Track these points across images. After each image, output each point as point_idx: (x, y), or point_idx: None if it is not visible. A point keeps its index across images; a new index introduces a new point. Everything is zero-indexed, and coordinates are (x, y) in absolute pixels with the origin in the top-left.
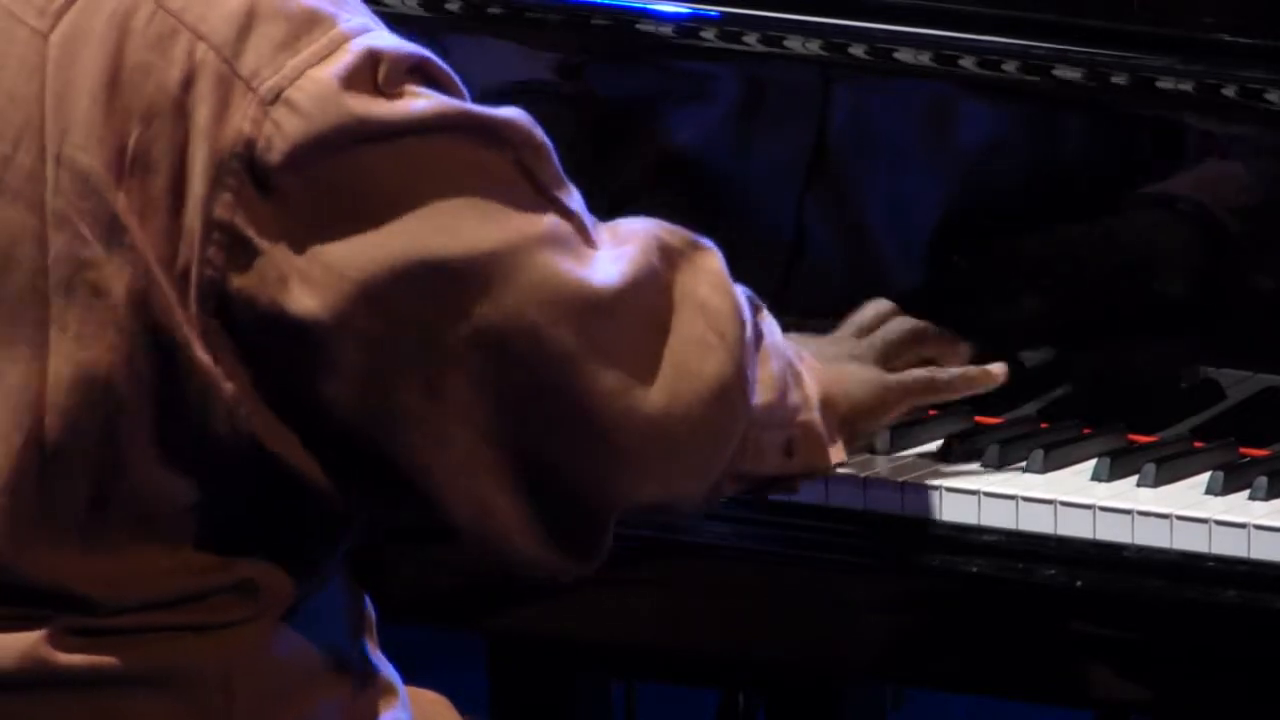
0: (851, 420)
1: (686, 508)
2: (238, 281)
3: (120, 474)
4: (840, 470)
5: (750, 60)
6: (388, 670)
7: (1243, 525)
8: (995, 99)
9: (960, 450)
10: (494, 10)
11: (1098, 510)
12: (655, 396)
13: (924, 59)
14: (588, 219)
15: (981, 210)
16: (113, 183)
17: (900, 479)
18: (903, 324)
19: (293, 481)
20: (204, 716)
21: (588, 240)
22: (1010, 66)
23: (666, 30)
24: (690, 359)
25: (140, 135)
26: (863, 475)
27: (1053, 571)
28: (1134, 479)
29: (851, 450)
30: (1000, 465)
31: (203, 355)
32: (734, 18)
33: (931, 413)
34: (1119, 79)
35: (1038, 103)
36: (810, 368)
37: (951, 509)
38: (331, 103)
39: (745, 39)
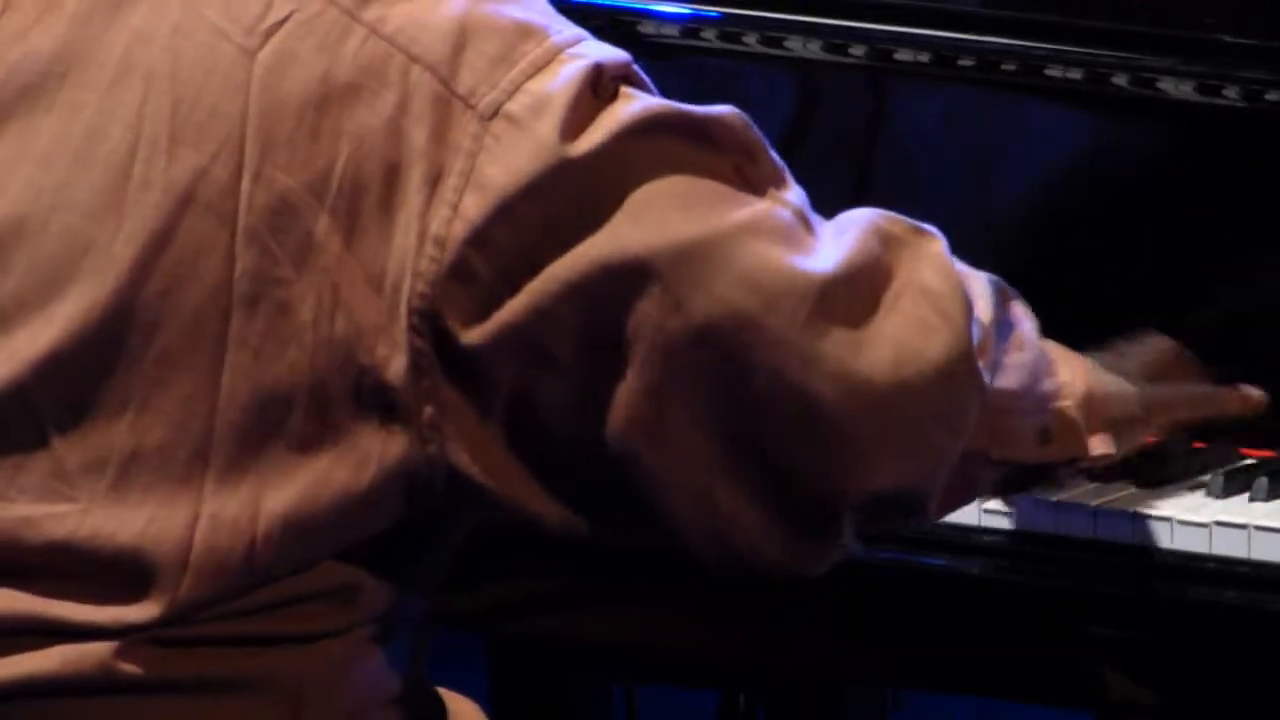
0: (1114, 420)
1: (926, 499)
2: (452, 296)
3: (279, 493)
4: None
5: (751, 61)
6: (434, 692)
7: (1243, 526)
8: (995, 100)
9: None
10: None
11: (1098, 511)
12: (879, 378)
13: (924, 60)
14: (808, 211)
15: (981, 210)
16: (314, 204)
17: None
18: (1164, 346)
19: (485, 505)
20: None
21: (807, 229)
22: (1010, 67)
23: (667, 31)
24: (913, 340)
25: (350, 155)
26: None
27: (1054, 572)
28: (1134, 480)
29: (1122, 451)
30: None
31: (399, 376)
32: (734, 18)
33: None
34: (1119, 79)
35: (1038, 103)
36: (1069, 362)
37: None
38: (546, 112)
39: (746, 40)
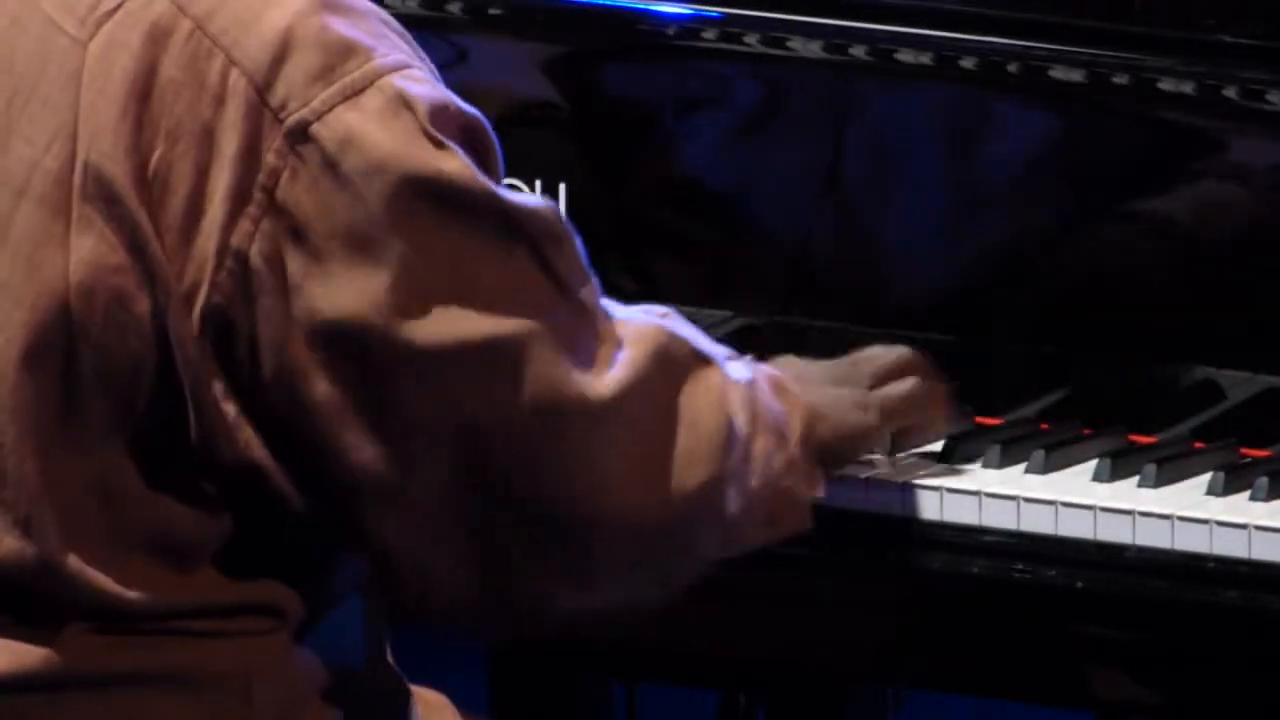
0: (837, 445)
1: (640, 609)
2: (242, 313)
3: (132, 491)
4: (842, 471)
5: (751, 61)
6: (399, 678)
7: (1243, 526)
8: (996, 100)
9: (961, 451)
10: (495, 11)
11: (1099, 511)
12: (629, 508)
13: (925, 60)
14: (600, 315)
15: (981, 210)
16: (135, 194)
17: (901, 480)
18: (897, 354)
19: (284, 507)
20: (222, 719)
21: (597, 338)
22: (1011, 67)
23: (668, 31)
24: (675, 478)
25: (164, 154)
26: (864, 476)
27: (1054, 573)
28: (1135, 480)
29: (836, 471)
30: (1001, 466)
31: (205, 376)
32: (735, 19)
33: None
34: (1119, 79)
35: (1038, 104)
36: (795, 404)
37: (953, 510)
38: (352, 147)
39: (747, 40)
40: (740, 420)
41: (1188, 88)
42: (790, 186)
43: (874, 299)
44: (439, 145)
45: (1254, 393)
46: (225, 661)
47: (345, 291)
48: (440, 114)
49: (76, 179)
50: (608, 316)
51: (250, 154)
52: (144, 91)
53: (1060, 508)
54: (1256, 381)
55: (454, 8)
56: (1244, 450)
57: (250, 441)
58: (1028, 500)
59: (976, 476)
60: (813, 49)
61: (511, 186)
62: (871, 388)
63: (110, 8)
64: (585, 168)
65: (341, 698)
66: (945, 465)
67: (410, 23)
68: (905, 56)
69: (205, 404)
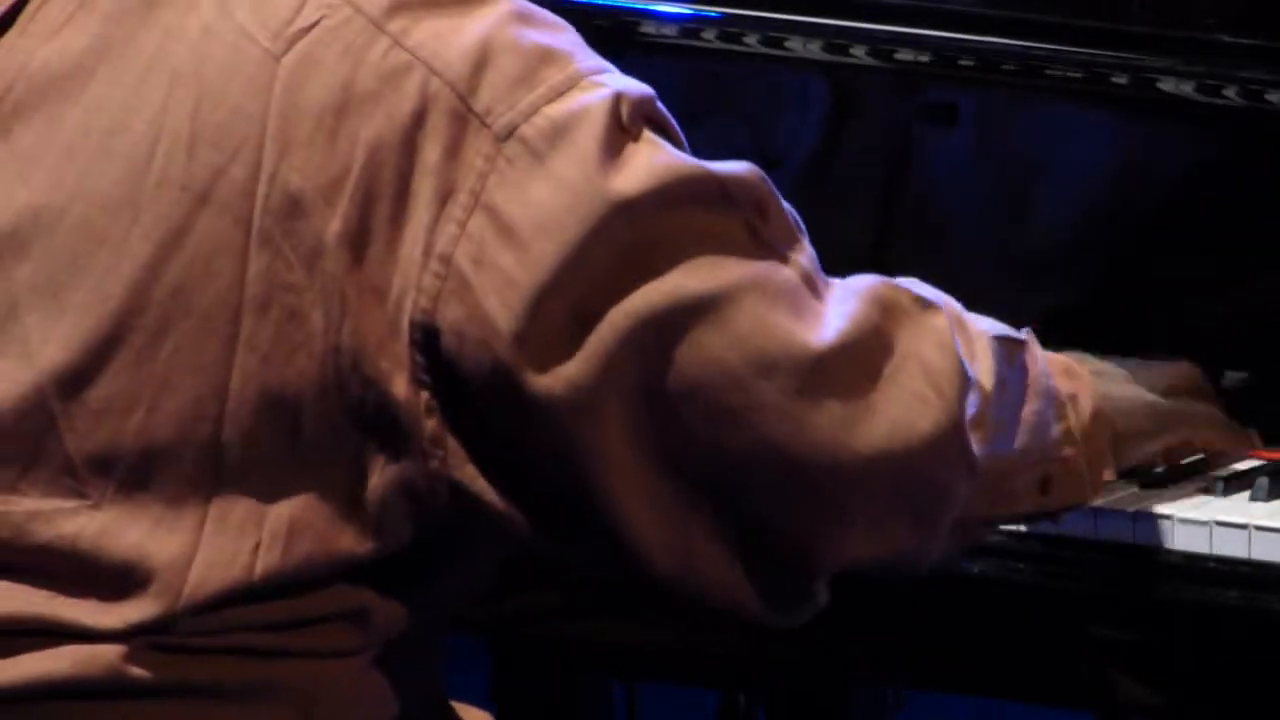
0: (1122, 441)
1: (914, 563)
2: (450, 315)
3: (286, 500)
4: None
5: (751, 61)
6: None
7: (1243, 526)
8: (996, 100)
9: None
10: None
11: (1099, 511)
12: (868, 451)
13: (924, 60)
14: (817, 273)
15: (980, 210)
16: (326, 209)
17: None
18: (1190, 369)
19: (482, 523)
20: None
21: (814, 293)
22: (1010, 67)
23: (667, 31)
24: (907, 416)
25: (365, 163)
26: None
27: (1054, 573)
28: (1135, 480)
29: (1121, 470)
30: None
31: (402, 390)
32: (735, 19)
33: None
34: (1119, 79)
35: (1038, 103)
36: (1084, 387)
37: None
38: (567, 145)
39: (746, 40)
40: (981, 368)
41: (1188, 88)
42: (790, 186)
43: None
44: (642, 135)
45: (1253, 393)
46: (289, 680)
47: (547, 261)
48: (646, 107)
49: (260, 191)
50: (823, 276)
51: (454, 159)
52: (340, 105)
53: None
54: (1256, 381)
55: None
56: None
57: (451, 459)
58: None
59: None
60: (813, 49)
61: None
62: (1165, 394)
63: (306, 25)
64: None
65: None
66: None
67: None
68: (905, 56)
69: (402, 420)
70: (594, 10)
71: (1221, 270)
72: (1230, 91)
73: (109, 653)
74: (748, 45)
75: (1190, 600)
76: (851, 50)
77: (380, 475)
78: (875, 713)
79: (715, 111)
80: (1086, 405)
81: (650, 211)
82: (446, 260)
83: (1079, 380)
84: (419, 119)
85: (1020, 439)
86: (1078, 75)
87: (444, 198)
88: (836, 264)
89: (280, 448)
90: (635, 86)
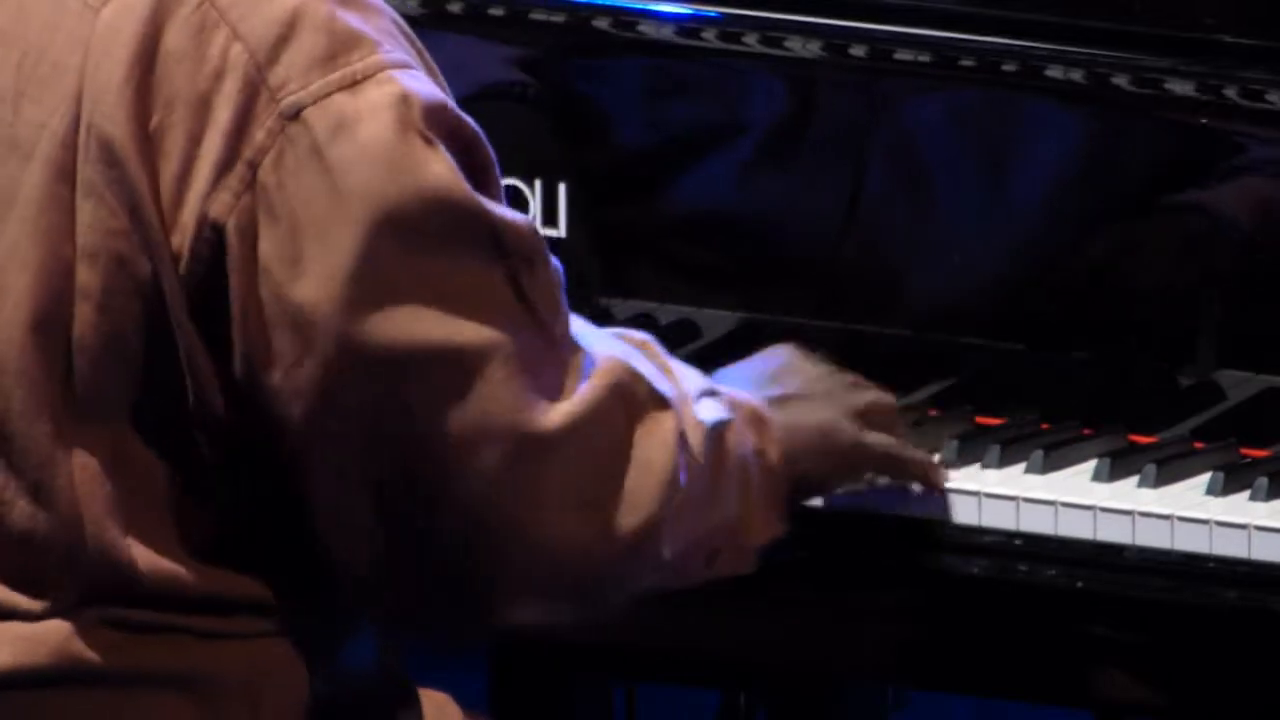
0: (806, 478)
1: (561, 625)
2: (216, 281)
3: (141, 460)
4: None
5: (751, 61)
6: (408, 682)
7: (1243, 526)
8: (995, 100)
9: (961, 451)
10: (495, 11)
11: (1098, 511)
12: (560, 538)
13: (924, 60)
14: (566, 344)
15: (982, 210)
16: (136, 158)
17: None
18: (890, 401)
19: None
20: None
21: (558, 366)
22: (1010, 67)
23: (667, 31)
24: (619, 513)
25: (161, 120)
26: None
27: (1054, 573)
28: (1135, 480)
29: (800, 500)
30: (1001, 466)
31: (192, 341)
32: (735, 18)
33: (932, 413)
34: (1119, 79)
35: (1038, 103)
36: (771, 441)
37: (952, 510)
38: (347, 140)
39: (746, 40)
40: (692, 466)
41: (1188, 88)
42: (791, 186)
43: (874, 299)
44: (429, 143)
45: (1253, 393)
46: (234, 665)
47: (309, 279)
48: (436, 114)
49: (80, 141)
50: (574, 346)
51: (241, 128)
52: (148, 57)
53: (1060, 508)
54: (1256, 381)
55: (454, 8)
56: (1244, 450)
57: (231, 410)
58: (1027, 500)
59: (976, 476)
60: (813, 49)
61: (511, 187)
62: (861, 413)
63: None
64: (585, 168)
65: (351, 707)
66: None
67: (410, 23)
68: (905, 56)
69: (196, 369)
70: (594, 10)
71: (1221, 271)
72: (1230, 91)
73: (54, 637)
74: (748, 45)
75: (1190, 600)
76: (851, 50)
77: (199, 429)
78: (875, 713)
79: (715, 111)
80: (773, 457)
81: (417, 236)
82: (217, 228)
83: (765, 434)
84: (216, 81)
85: (704, 524)
86: (1078, 75)
87: (223, 166)
88: (834, 261)
89: (121, 391)
90: (429, 90)
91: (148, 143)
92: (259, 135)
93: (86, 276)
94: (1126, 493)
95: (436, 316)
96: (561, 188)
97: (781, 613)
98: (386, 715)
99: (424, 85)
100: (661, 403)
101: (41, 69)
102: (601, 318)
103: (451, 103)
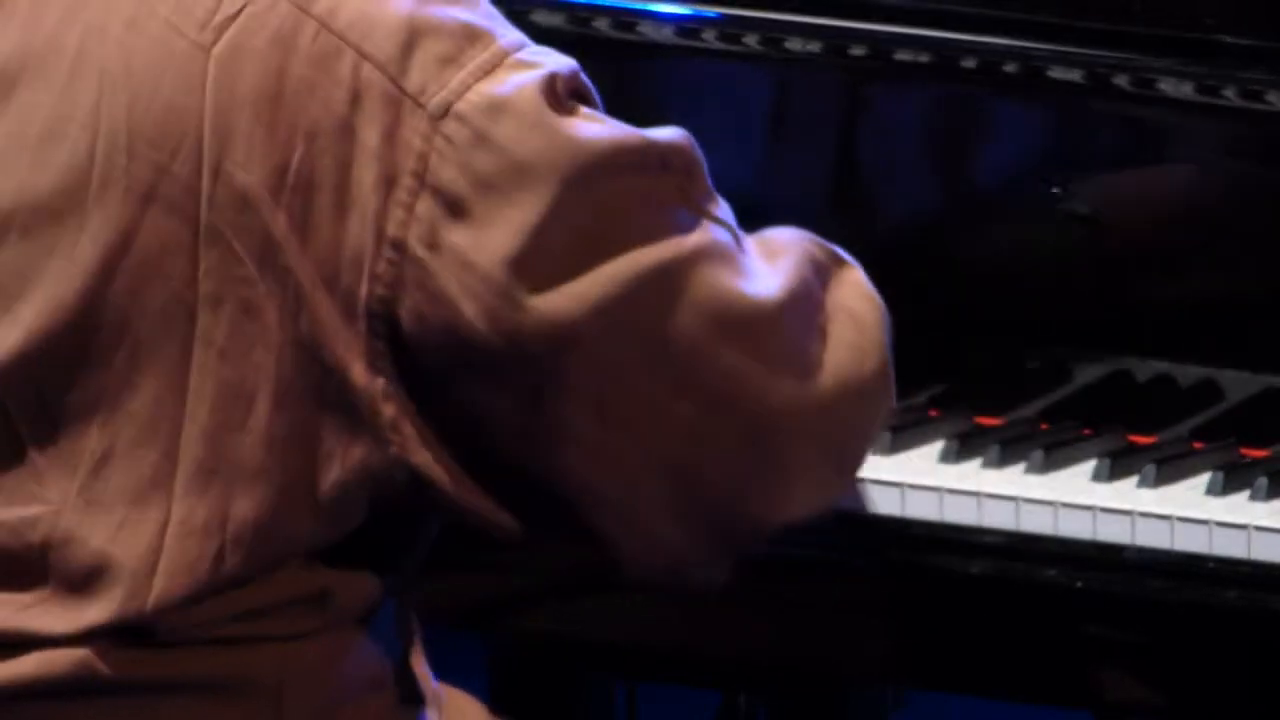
0: None
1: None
2: (409, 300)
3: (247, 498)
4: None
5: (751, 61)
6: (429, 679)
7: (1243, 526)
8: (995, 100)
9: (960, 450)
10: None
11: (1098, 511)
12: (815, 405)
13: (924, 60)
14: (735, 226)
15: (982, 210)
16: (271, 201)
17: (901, 480)
18: None
19: (438, 504)
20: None
21: (740, 247)
22: (1010, 68)
23: (667, 31)
24: (849, 366)
25: (305, 153)
26: (862, 476)
27: (1053, 573)
28: (1134, 480)
29: None
30: (1001, 466)
31: (360, 377)
32: (734, 19)
33: (932, 413)
34: (1119, 80)
35: (1038, 104)
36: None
37: (952, 510)
38: (507, 119)
39: (745, 40)
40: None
41: (1188, 88)
42: (790, 186)
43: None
44: (573, 112)
45: (1253, 393)
46: (259, 668)
47: (503, 236)
48: (570, 82)
49: (204, 187)
50: (744, 235)
51: (394, 142)
52: (275, 95)
53: (1060, 508)
54: (1256, 381)
55: None
56: (1243, 450)
57: (409, 444)
58: (1027, 500)
59: (976, 476)
60: (813, 49)
61: None
62: None
63: (231, 13)
64: None
65: (371, 700)
66: (944, 465)
67: None
68: (905, 56)
69: (360, 406)
70: (594, 10)
71: (1221, 271)
72: (1230, 91)
73: (76, 652)
74: (747, 45)
75: (1190, 600)
76: (851, 50)
77: (341, 464)
78: (875, 713)
79: (715, 111)
80: None
81: (599, 182)
82: (399, 246)
83: None
84: (354, 104)
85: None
86: (1078, 75)
87: (388, 182)
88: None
89: (240, 443)
90: (563, 61)
91: (291, 181)
92: (416, 142)
93: (208, 323)
94: (1126, 493)
95: (637, 242)
96: None
97: (781, 613)
98: (408, 712)
99: (555, 57)
100: (843, 259)
101: (154, 112)
102: None
103: (570, 61)
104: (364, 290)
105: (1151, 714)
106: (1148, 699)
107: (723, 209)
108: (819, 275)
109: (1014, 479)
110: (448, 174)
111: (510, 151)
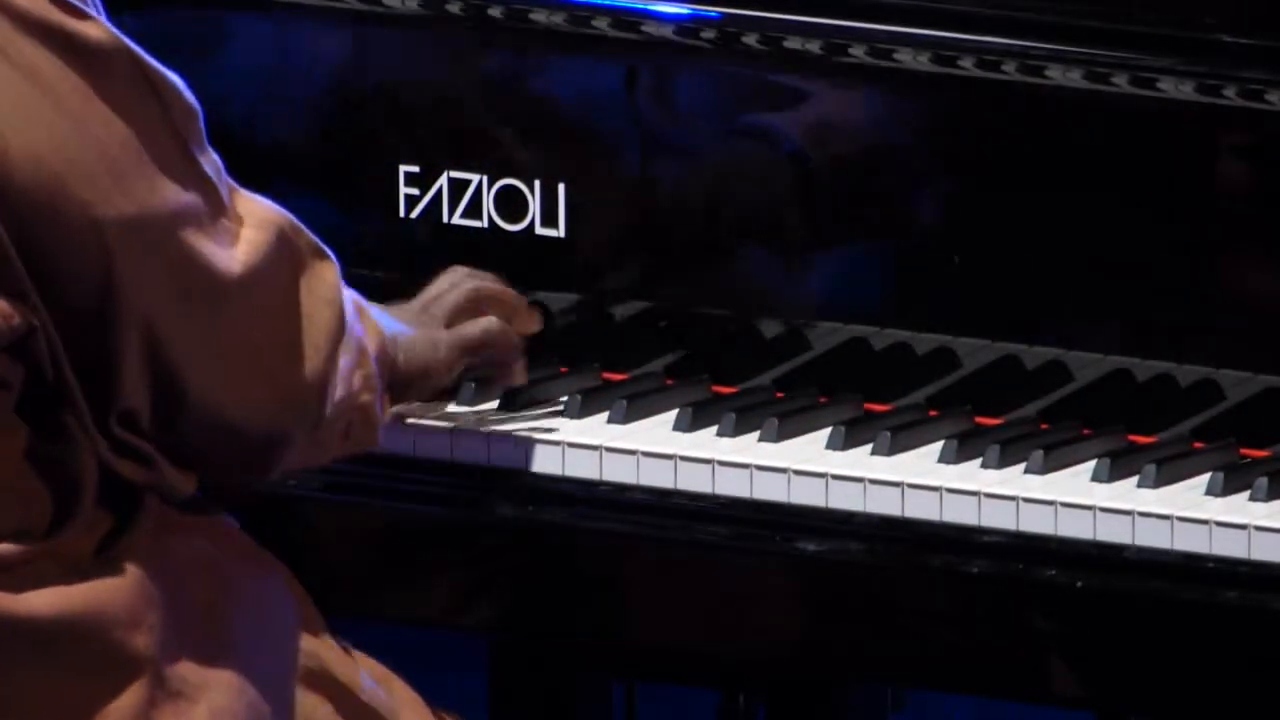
0: (406, 376)
1: (228, 490)
2: None
3: None
4: (849, 472)
5: (751, 61)
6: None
7: (1243, 526)
8: (995, 100)
9: (960, 450)
10: (494, 12)
11: (1098, 511)
12: (245, 399)
13: (924, 60)
14: (223, 189)
15: (982, 210)
16: None
17: (901, 480)
18: (463, 290)
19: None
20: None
21: (223, 213)
22: (1010, 67)
23: (667, 31)
24: (290, 365)
25: None
26: (862, 476)
27: (1053, 573)
28: (1134, 480)
29: (408, 400)
30: (1001, 466)
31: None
32: (734, 18)
33: (932, 413)
34: (1119, 79)
35: (1038, 103)
36: (372, 327)
37: (952, 510)
38: (7, 10)
39: (745, 39)
40: (351, 325)
41: (1188, 88)
42: (790, 185)
43: (877, 298)
44: (77, 14)
45: (1253, 392)
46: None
47: (11, 145)
48: None
49: None
50: (231, 190)
51: None
52: None
53: (1060, 508)
54: (1256, 381)
55: (454, 8)
56: (1243, 450)
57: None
58: (1027, 500)
59: (976, 476)
60: (812, 49)
61: (510, 187)
62: (447, 327)
63: None
64: (585, 168)
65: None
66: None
67: (410, 23)
68: (903, 56)
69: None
70: (594, 10)
71: (1220, 271)
72: (1230, 91)
73: None
74: (747, 45)
75: (1190, 600)
76: (851, 50)
77: None
78: (875, 713)
79: (715, 111)
80: (372, 347)
81: (94, 91)
82: None
83: (368, 320)
84: None
85: (340, 390)
86: (1078, 75)
87: None
88: (834, 261)
89: None
90: None
91: None
92: None
93: None
94: (1126, 493)
95: (130, 184)
96: (561, 188)
97: (781, 613)
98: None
99: None
100: (322, 253)
101: None
102: (601, 317)
103: None
104: None
105: (1151, 714)
106: (1148, 699)
107: (211, 163)
108: (291, 264)
109: (1014, 479)
110: None
111: (9, 52)
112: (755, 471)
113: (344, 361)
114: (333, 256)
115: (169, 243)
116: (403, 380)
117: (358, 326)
